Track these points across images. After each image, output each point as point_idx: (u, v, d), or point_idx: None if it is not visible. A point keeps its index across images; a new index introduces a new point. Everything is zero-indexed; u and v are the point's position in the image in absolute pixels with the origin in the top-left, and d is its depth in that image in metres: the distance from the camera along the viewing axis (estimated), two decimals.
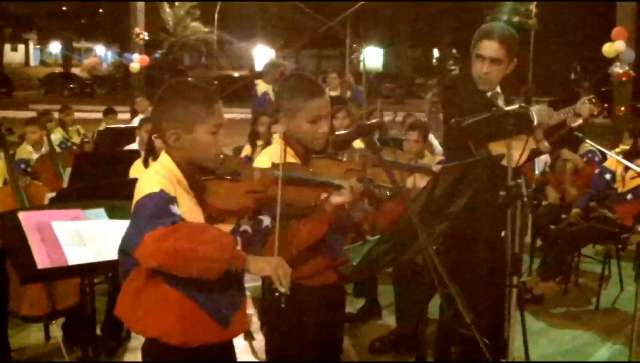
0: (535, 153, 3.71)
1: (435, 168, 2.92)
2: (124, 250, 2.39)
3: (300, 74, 3.07)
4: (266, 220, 2.60)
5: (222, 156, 2.46)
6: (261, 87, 8.64)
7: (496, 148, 3.49)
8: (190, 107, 2.37)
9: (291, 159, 2.73)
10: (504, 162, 3.21)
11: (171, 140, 2.38)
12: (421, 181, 2.87)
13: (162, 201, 2.23)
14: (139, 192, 2.28)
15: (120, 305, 2.42)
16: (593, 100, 3.72)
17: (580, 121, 3.71)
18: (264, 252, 2.51)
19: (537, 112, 3.46)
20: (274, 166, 2.49)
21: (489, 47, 3.56)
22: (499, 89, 3.68)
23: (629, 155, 5.77)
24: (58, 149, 7.75)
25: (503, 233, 3.27)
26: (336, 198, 2.59)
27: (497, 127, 3.38)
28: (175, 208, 2.25)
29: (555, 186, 6.83)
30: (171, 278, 2.30)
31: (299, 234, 2.58)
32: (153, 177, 2.32)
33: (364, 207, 2.78)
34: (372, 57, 43.38)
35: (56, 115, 9.36)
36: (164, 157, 2.41)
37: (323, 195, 2.60)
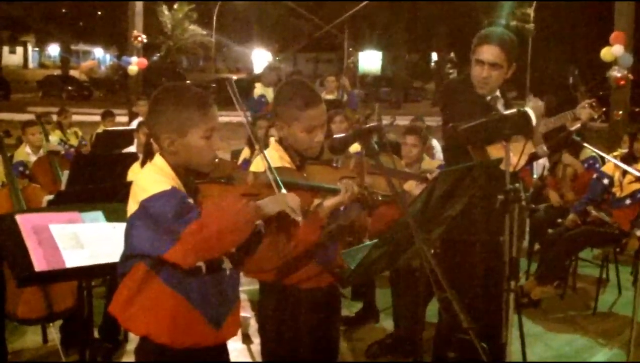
0: (533, 157, 3.71)
1: (429, 176, 2.91)
2: (140, 254, 2.33)
3: (298, 80, 3.03)
4: (259, 224, 2.60)
5: (216, 160, 2.45)
6: (258, 89, 8.67)
7: (495, 152, 3.49)
8: (183, 111, 2.36)
9: (286, 164, 2.73)
10: (502, 166, 3.21)
11: (165, 145, 2.38)
12: (416, 189, 2.87)
13: (179, 198, 2.25)
14: (144, 191, 2.27)
15: (115, 302, 2.42)
16: (593, 103, 3.73)
17: (578, 125, 3.71)
18: (259, 254, 2.51)
19: (534, 109, 3.46)
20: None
21: (489, 52, 3.56)
22: (498, 93, 3.68)
23: (625, 159, 5.76)
24: None
25: (501, 238, 3.26)
26: (330, 201, 2.59)
27: (494, 131, 3.39)
28: (191, 200, 2.29)
29: (554, 190, 6.81)
30: (168, 277, 2.31)
31: (293, 239, 2.57)
32: (155, 177, 2.32)
33: (359, 210, 2.77)
34: (370, 60, 43.33)
35: (54, 117, 9.34)
36: (158, 159, 2.41)
37: (316, 201, 2.60)
